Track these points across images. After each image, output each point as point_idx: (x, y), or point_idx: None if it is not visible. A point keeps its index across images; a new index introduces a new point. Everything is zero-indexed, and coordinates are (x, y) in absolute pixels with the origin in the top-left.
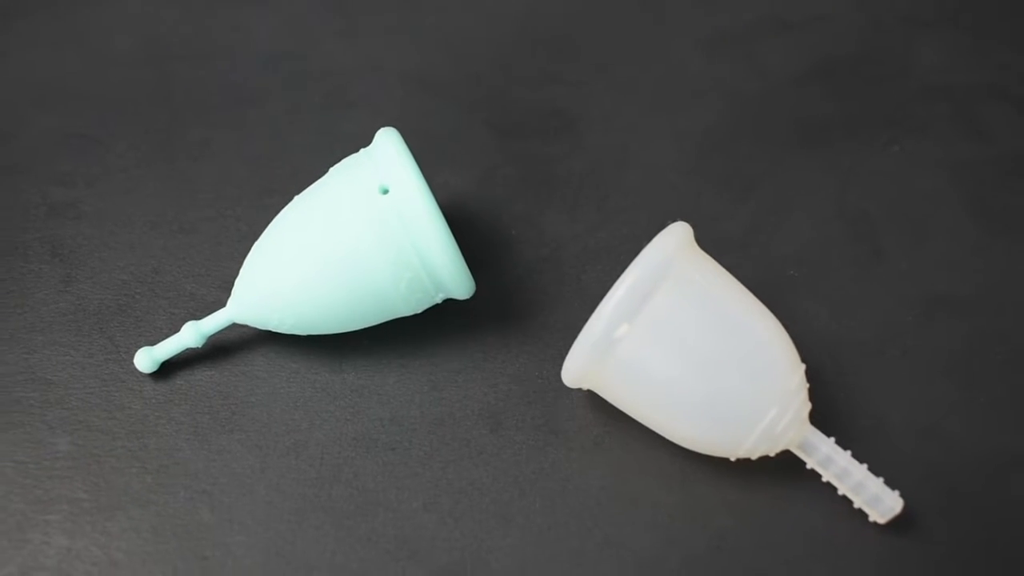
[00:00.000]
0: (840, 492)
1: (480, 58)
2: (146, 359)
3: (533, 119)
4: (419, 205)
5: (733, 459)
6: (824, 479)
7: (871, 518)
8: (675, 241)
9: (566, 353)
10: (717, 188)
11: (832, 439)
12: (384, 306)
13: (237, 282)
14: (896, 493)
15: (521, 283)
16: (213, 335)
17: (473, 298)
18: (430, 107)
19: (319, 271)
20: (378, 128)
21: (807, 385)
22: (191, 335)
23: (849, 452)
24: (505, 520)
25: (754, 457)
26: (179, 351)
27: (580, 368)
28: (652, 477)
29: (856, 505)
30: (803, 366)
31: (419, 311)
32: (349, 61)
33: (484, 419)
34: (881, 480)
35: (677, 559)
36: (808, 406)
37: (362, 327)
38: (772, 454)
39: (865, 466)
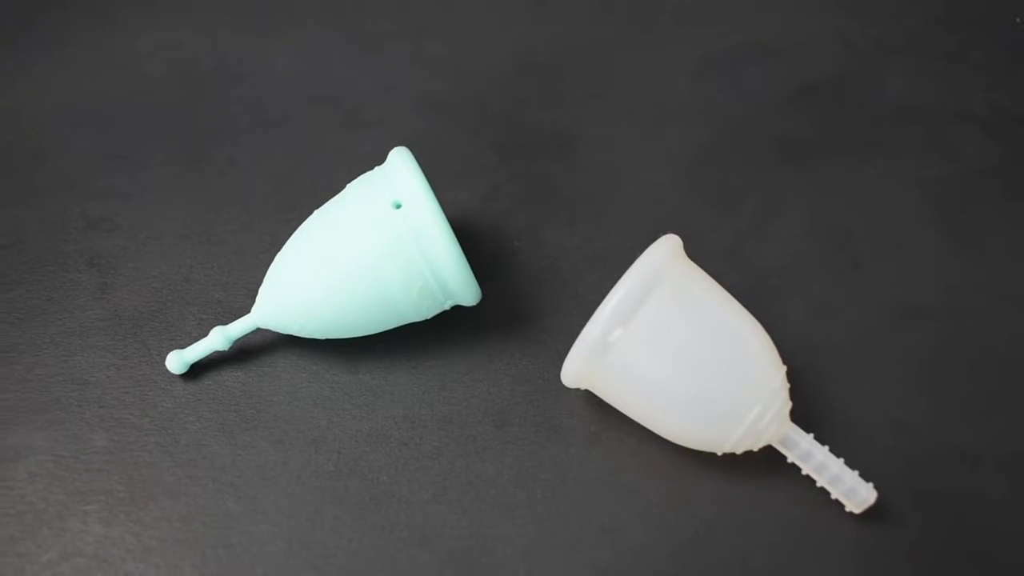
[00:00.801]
0: (818, 484)
1: (486, 84)
2: (176, 361)
3: (534, 140)
4: (429, 219)
5: (720, 453)
6: (803, 472)
7: (847, 508)
8: (665, 252)
9: (565, 355)
10: (704, 203)
11: (811, 435)
12: (397, 312)
13: (261, 289)
14: (870, 485)
15: (523, 291)
16: (239, 339)
17: (479, 305)
18: (440, 128)
19: (337, 280)
20: (391, 148)
21: (788, 385)
22: (218, 339)
23: (827, 447)
24: (509, 510)
25: (739, 452)
26: (207, 353)
27: (578, 370)
28: (645, 470)
29: (833, 496)
30: (784, 367)
31: (429, 317)
32: (365, 86)
33: (489, 417)
34: (856, 473)
35: (667, 545)
36: (789, 405)
37: (376, 331)
38: (756, 449)
39: (841, 460)
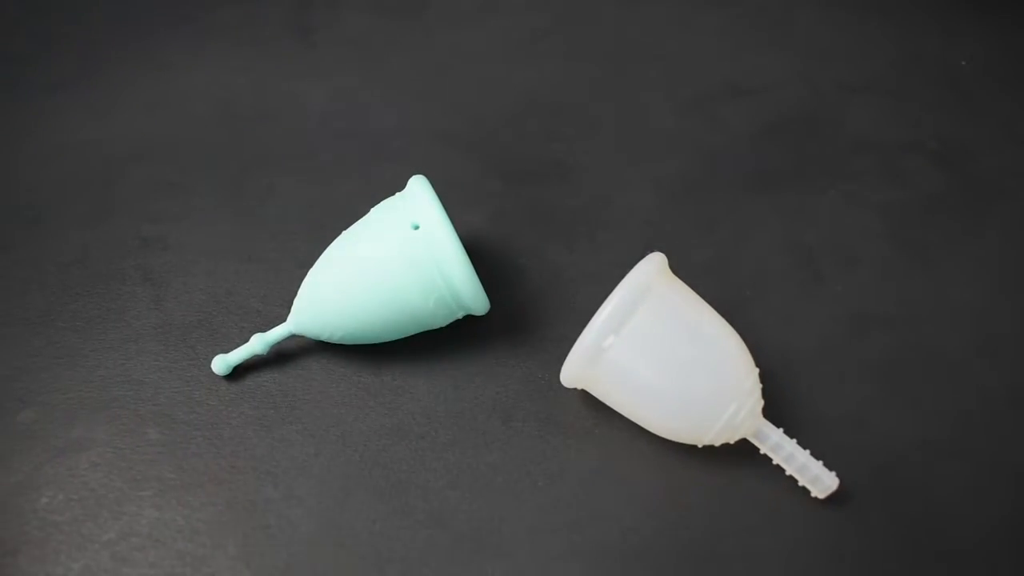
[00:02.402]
0: (787, 473)
1: (494, 120)
2: (221, 364)
3: (536, 169)
4: (444, 238)
5: (700, 446)
6: (774, 462)
7: (812, 493)
8: (652, 267)
9: (564, 359)
10: (687, 224)
11: (781, 429)
12: (415, 320)
13: (296, 301)
14: (833, 473)
15: (527, 302)
16: (276, 344)
17: (488, 314)
18: (452, 159)
19: (363, 292)
20: (410, 176)
21: (760, 385)
22: (258, 344)
23: (795, 440)
24: (514, 495)
25: (717, 444)
26: (248, 357)
27: (574, 372)
28: (635, 461)
29: (800, 483)
30: (757, 370)
31: (444, 325)
32: (387, 122)
33: (497, 413)
34: (821, 463)
35: (654, 527)
36: (761, 402)
37: (398, 338)
38: (732, 442)
39: (808, 452)
